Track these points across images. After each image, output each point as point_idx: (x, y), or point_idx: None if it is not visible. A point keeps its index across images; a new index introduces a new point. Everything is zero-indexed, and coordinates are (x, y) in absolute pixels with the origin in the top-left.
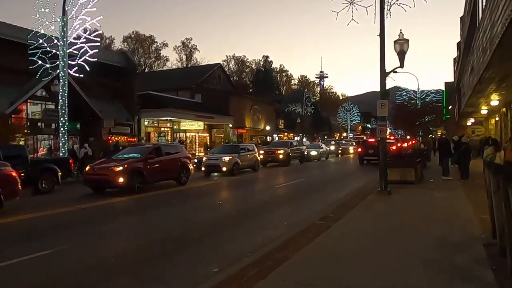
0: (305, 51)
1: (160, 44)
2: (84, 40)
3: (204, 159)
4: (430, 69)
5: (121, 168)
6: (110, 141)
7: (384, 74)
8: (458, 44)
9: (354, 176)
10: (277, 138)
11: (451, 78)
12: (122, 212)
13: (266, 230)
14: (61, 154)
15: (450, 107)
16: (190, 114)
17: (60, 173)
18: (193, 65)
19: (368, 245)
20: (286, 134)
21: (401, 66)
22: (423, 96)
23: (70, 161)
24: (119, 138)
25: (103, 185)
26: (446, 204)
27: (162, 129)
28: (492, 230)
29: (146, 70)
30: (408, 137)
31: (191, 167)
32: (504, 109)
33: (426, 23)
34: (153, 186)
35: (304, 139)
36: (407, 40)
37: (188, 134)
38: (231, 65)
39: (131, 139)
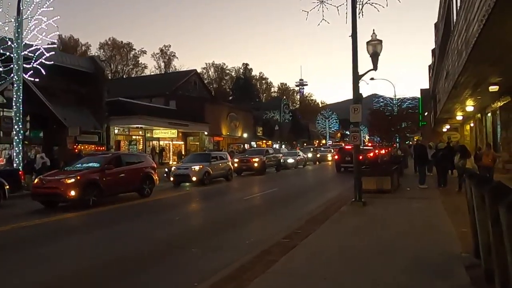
0: (285, 59)
1: (138, 51)
2: (40, 42)
3: (173, 168)
4: (407, 76)
5: (73, 180)
6: (76, 150)
7: (357, 77)
8: (433, 51)
9: (329, 185)
10: (255, 146)
11: (427, 85)
12: (70, 230)
13: (223, 252)
14: (15, 164)
15: (426, 113)
16: (163, 121)
17: (7, 187)
18: (169, 72)
19: (336, 272)
20: (264, 141)
21: (375, 68)
22: (399, 103)
23: (20, 172)
24: (87, 147)
25: (53, 199)
26: (424, 216)
27: (134, 137)
28: (474, 248)
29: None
30: (384, 143)
31: (155, 177)
32: (479, 115)
33: (401, 31)
34: (112, 199)
35: (283, 147)
36: (381, 41)
37: (162, 142)
38: (210, 73)
39: (99, 147)
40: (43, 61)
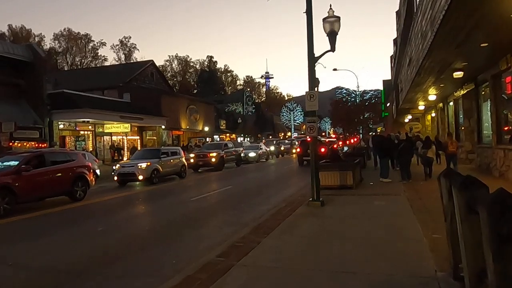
0: (251, 51)
1: (97, 42)
2: None
3: (117, 166)
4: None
5: None
6: (12, 148)
7: (312, 59)
8: (395, 40)
9: (290, 180)
10: (218, 139)
11: (389, 77)
12: None
13: (139, 278)
14: None
15: (388, 104)
16: (113, 115)
17: None
18: (123, 63)
19: None
20: (228, 135)
21: (332, 49)
22: (362, 94)
23: None
24: (26, 144)
25: None
26: (388, 217)
27: (82, 132)
28: (453, 266)
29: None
30: (347, 134)
31: (90, 178)
32: (441, 104)
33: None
34: (36, 206)
35: (246, 140)
36: (338, 18)
37: (115, 138)
38: (174, 65)
39: (40, 144)
40: None
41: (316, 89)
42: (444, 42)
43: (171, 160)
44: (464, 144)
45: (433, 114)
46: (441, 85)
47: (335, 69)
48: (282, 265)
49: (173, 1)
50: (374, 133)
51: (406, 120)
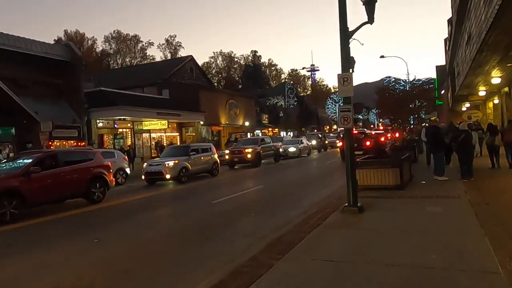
0: (295, 44)
1: (145, 43)
2: None
3: (144, 165)
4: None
5: None
6: (52, 147)
7: (346, 34)
8: (449, 20)
9: (329, 178)
10: (260, 134)
11: (443, 62)
12: None
13: None
14: None
15: (443, 92)
16: (150, 111)
17: None
18: (163, 60)
19: None
20: (270, 129)
21: (370, 21)
22: (413, 82)
23: None
24: (65, 143)
25: None
26: (445, 231)
27: (120, 130)
28: None
29: (118, 68)
30: (395, 125)
31: (109, 178)
32: (506, 89)
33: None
34: (49, 209)
35: (288, 134)
36: None
37: (154, 135)
38: (218, 62)
39: (79, 143)
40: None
41: (351, 70)
42: None
43: (202, 158)
44: None
45: (496, 101)
46: (508, 64)
47: (382, 56)
48: None
49: None
50: (426, 124)
51: (464, 109)
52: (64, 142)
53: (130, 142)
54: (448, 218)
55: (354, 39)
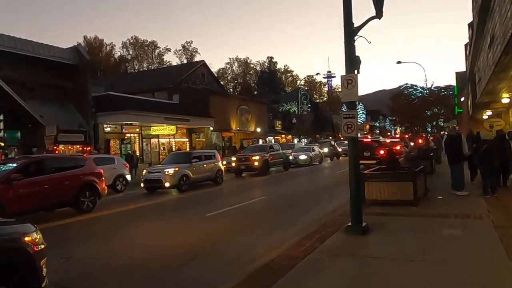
0: (312, 51)
1: (163, 49)
2: None
3: (144, 171)
4: (440, 63)
5: None
6: (57, 152)
7: (350, 31)
8: (470, 24)
9: (336, 189)
10: (273, 141)
11: (463, 68)
12: None
13: None
14: None
15: (463, 99)
16: (157, 116)
17: None
18: (175, 64)
19: None
20: (284, 136)
21: (378, 15)
22: (431, 87)
23: None
24: (70, 147)
25: None
26: (465, 262)
27: (128, 135)
28: None
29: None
30: (411, 133)
31: (100, 186)
32: None
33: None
34: (34, 217)
35: (300, 141)
36: None
37: (163, 140)
38: (234, 68)
39: (85, 148)
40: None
41: (356, 71)
42: None
43: (205, 165)
44: None
45: None
46: None
47: (399, 62)
48: None
49: (233, 3)
50: (445, 132)
51: (485, 117)
52: (69, 147)
53: (138, 148)
54: (468, 245)
55: (360, 36)
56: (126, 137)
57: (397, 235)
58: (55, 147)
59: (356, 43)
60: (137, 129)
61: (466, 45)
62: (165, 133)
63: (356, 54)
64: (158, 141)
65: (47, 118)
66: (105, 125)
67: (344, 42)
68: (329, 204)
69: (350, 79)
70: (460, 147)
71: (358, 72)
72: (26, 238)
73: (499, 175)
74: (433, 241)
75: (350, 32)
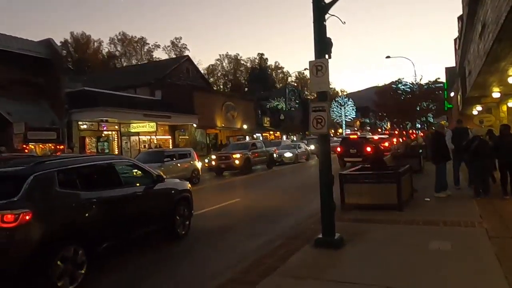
0: (303, 47)
1: (152, 45)
2: None
3: None
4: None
5: None
6: (26, 151)
7: (320, 7)
8: (459, 16)
9: (317, 191)
10: (261, 138)
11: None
12: None
13: None
14: None
15: (452, 94)
16: (135, 113)
17: None
18: (158, 60)
19: None
20: (272, 132)
21: None
22: (420, 80)
23: None
24: (42, 146)
25: None
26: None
27: (106, 132)
28: None
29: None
30: (396, 132)
31: None
32: None
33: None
34: None
35: (293, 138)
36: None
37: (144, 138)
38: (224, 64)
39: (58, 146)
40: None
41: (326, 56)
42: None
43: (178, 164)
44: None
45: (511, 103)
46: None
47: (388, 57)
48: None
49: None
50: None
51: (475, 112)
52: (41, 145)
53: (116, 145)
54: (459, 263)
55: (332, 15)
56: (103, 135)
57: (376, 250)
58: (24, 146)
59: (337, 31)
60: (116, 127)
61: (455, 40)
62: (145, 131)
63: (328, 36)
64: (139, 138)
65: (17, 115)
66: (80, 122)
67: (313, 21)
68: (306, 209)
69: (320, 65)
70: (445, 145)
71: (330, 57)
72: (189, 185)
73: (492, 174)
74: (417, 258)
75: (320, 8)
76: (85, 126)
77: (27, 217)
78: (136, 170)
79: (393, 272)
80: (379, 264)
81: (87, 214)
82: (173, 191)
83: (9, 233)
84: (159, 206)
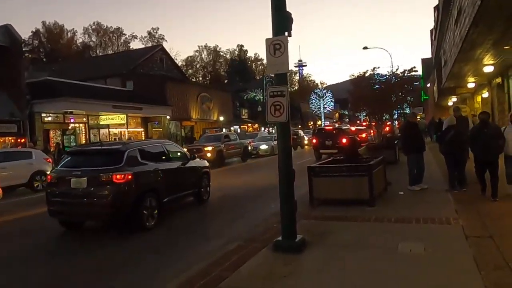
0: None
1: (129, 36)
2: None
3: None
4: (408, 52)
5: None
6: None
7: None
8: (436, 7)
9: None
10: (238, 130)
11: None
12: None
13: None
14: None
15: (428, 85)
16: (103, 104)
17: None
18: (131, 49)
19: None
20: (250, 125)
21: None
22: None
23: None
24: (0, 139)
25: None
26: None
27: (72, 125)
28: None
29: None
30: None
31: None
32: (499, 79)
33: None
34: None
35: (272, 130)
36: None
37: (115, 131)
38: (203, 56)
39: (19, 139)
40: None
41: (286, 34)
42: None
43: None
44: None
45: (485, 94)
46: (505, 47)
47: (365, 48)
48: None
49: None
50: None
51: (450, 103)
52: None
53: (84, 139)
54: (433, 269)
55: None
56: (69, 128)
57: (341, 254)
58: None
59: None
60: (84, 119)
61: (431, 30)
62: (115, 123)
63: (287, 10)
64: (109, 131)
65: None
66: (43, 114)
67: None
68: (276, 203)
69: (278, 44)
70: (418, 135)
71: (290, 35)
72: (208, 163)
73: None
74: (386, 263)
75: None
76: (49, 118)
77: (129, 177)
78: (176, 150)
79: (359, 278)
80: (342, 274)
81: (156, 178)
82: (199, 167)
83: (122, 186)
84: (192, 177)
